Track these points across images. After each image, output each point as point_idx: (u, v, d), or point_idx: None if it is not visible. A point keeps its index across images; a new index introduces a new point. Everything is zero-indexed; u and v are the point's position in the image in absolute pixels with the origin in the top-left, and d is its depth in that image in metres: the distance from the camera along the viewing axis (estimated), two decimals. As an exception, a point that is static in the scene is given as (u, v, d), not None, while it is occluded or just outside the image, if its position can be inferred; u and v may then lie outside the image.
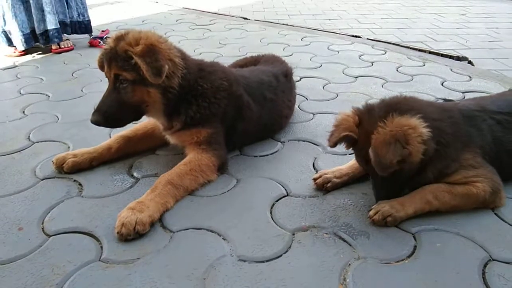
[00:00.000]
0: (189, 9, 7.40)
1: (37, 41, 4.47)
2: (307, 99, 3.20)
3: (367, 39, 5.17)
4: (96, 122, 2.02)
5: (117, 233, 1.65)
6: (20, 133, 2.64)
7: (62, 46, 4.63)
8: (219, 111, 2.18)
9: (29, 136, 2.60)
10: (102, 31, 5.27)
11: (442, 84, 3.50)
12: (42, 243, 1.65)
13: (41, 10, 4.32)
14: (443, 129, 1.79)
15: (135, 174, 2.15)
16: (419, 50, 4.48)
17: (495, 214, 1.83)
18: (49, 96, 3.32)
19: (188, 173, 1.99)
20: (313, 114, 2.91)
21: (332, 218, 1.79)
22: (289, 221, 1.79)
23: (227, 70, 2.40)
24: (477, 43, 5.07)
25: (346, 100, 3.16)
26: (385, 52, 4.47)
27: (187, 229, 1.72)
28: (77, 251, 1.60)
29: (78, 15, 4.84)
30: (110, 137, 2.54)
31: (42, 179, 2.11)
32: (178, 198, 1.91)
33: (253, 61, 2.97)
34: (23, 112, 3.00)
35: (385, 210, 1.73)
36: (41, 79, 3.76)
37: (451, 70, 3.88)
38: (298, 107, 3.04)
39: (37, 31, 4.38)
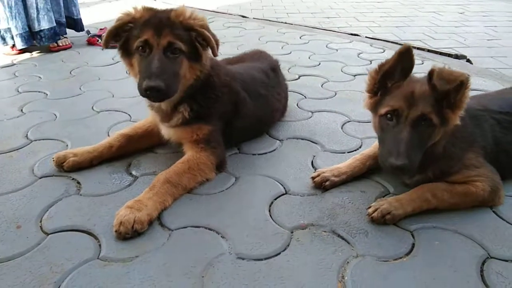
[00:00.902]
0: (187, 7, 7.38)
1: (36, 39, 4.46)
2: (305, 97, 3.20)
3: (366, 37, 5.17)
4: (157, 87, 1.83)
5: (115, 231, 1.65)
6: (18, 131, 2.63)
7: (60, 44, 4.62)
8: (221, 107, 2.18)
9: (27, 134, 2.59)
10: (100, 29, 5.26)
11: (440, 83, 3.50)
12: (40, 241, 1.65)
13: (36, 9, 4.30)
14: (455, 130, 1.79)
15: (133, 172, 2.15)
16: (418, 49, 4.48)
17: (494, 212, 1.84)
18: (47, 94, 3.31)
19: (187, 172, 1.98)
20: (312, 112, 2.91)
21: (330, 216, 1.80)
22: (288, 219, 1.79)
23: (228, 67, 2.41)
24: (475, 42, 5.08)
25: (344, 99, 3.16)
26: (384, 51, 4.48)
27: (185, 227, 1.72)
28: (76, 249, 1.60)
29: (77, 13, 4.83)
30: (108, 135, 2.55)
31: (40, 177, 2.10)
32: (176, 197, 1.91)
33: (239, 59, 2.96)
34: (21, 110, 2.99)
35: (383, 208, 1.73)
36: (39, 77, 3.75)
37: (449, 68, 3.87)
38: (297, 105, 3.04)
39: (33, 30, 4.35)
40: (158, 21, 1.92)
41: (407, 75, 1.76)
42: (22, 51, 4.46)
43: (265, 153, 2.38)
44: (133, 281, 1.45)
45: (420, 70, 3.74)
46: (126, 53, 2.03)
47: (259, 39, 5.05)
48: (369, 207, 1.78)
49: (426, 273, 1.48)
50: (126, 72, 3.76)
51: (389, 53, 4.33)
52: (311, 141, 2.51)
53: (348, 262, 1.54)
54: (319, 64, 4.06)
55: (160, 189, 1.86)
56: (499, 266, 1.53)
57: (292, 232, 1.71)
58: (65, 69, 3.97)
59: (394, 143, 1.64)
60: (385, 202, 1.76)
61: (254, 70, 2.58)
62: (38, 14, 4.31)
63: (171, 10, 2.00)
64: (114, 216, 1.70)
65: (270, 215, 1.82)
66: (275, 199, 1.94)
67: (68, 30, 4.82)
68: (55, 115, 2.89)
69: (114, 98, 3.21)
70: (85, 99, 3.20)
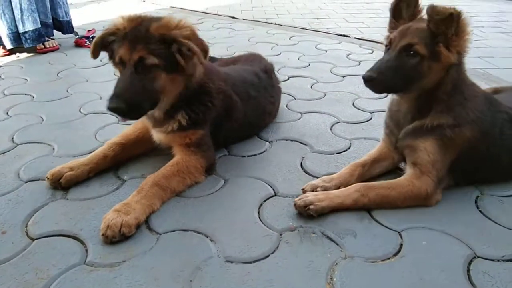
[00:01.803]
0: (176, 8, 7.36)
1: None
2: (295, 99, 3.21)
3: (355, 38, 5.20)
4: (118, 109, 1.80)
5: (102, 235, 1.63)
6: (3, 135, 2.59)
7: (47, 46, 4.56)
8: (214, 112, 2.16)
9: (13, 138, 2.55)
10: (88, 30, 5.20)
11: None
12: (25, 247, 1.62)
13: (20, 10, 4.23)
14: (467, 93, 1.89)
15: (121, 176, 2.12)
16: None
17: (480, 211, 1.86)
18: (33, 97, 3.26)
19: (175, 174, 1.97)
20: (301, 114, 2.92)
21: (319, 217, 1.79)
22: (277, 221, 1.79)
23: (221, 70, 2.39)
24: (462, 42, 5.12)
25: (334, 100, 3.17)
26: (373, 51, 4.50)
27: (173, 231, 1.71)
28: (62, 254, 1.58)
29: (66, 14, 4.77)
30: (96, 138, 2.52)
31: (26, 182, 2.07)
32: (165, 200, 1.89)
33: (233, 61, 2.96)
34: (7, 113, 2.94)
35: (307, 199, 1.77)
36: (26, 79, 3.69)
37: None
38: (286, 106, 3.04)
39: (19, 31, 4.29)
40: (135, 35, 1.86)
41: (415, 15, 1.91)
42: (8, 52, 4.40)
43: (255, 154, 2.37)
44: (120, 286, 1.43)
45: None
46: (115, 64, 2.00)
47: (248, 40, 5.05)
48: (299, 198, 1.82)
49: (413, 274, 1.49)
50: (114, 74, 3.73)
51: (378, 53, 4.36)
52: (300, 143, 2.51)
53: (336, 264, 1.54)
54: (309, 65, 4.07)
55: (148, 192, 1.84)
56: (486, 266, 1.54)
57: (281, 234, 1.70)
58: (52, 71, 3.92)
59: (376, 63, 1.85)
60: (311, 194, 1.81)
61: (246, 72, 2.57)
62: (22, 15, 4.24)
63: (155, 20, 1.92)
64: (102, 220, 1.68)
65: (259, 217, 1.81)
66: (264, 201, 1.93)
67: (55, 32, 4.76)
68: (42, 118, 2.85)
69: (102, 100, 3.17)
70: (73, 101, 3.16)
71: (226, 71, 2.48)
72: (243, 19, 6.47)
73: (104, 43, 1.98)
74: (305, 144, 2.48)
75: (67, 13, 4.80)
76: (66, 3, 4.80)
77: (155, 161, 2.23)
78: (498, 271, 1.52)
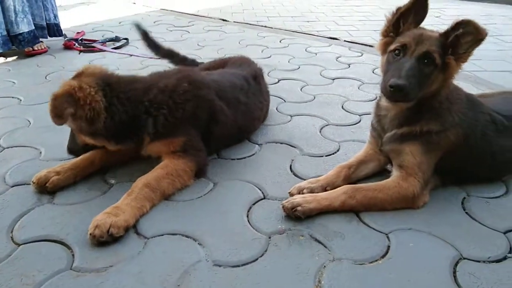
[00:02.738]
0: (167, 10, 7.33)
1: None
2: (284, 101, 3.21)
3: (345, 41, 5.23)
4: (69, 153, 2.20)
5: (90, 234, 1.62)
6: (-11, 139, 2.55)
7: (36, 48, 4.50)
8: (185, 115, 2.12)
9: (-1, 141, 2.52)
10: (77, 32, 5.17)
11: (416, 86, 3.56)
12: (11, 252, 1.60)
13: (14, 11, 4.19)
14: (452, 99, 1.91)
15: (108, 180, 2.11)
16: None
17: (467, 213, 1.88)
18: (20, 100, 3.22)
19: (165, 177, 1.96)
20: (291, 116, 2.92)
21: (307, 220, 1.80)
22: (266, 224, 1.79)
23: (192, 74, 2.32)
24: (450, 45, 5.18)
25: (323, 102, 3.19)
26: (362, 54, 4.53)
27: (162, 235, 1.70)
28: (48, 259, 1.56)
29: (55, 17, 4.73)
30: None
31: (12, 186, 2.05)
32: (155, 202, 1.88)
33: (221, 63, 2.96)
34: (-7, 116, 2.91)
35: (295, 201, 1.78)
36: (13, 82, 3.65)
37: (425, 71, 3.95)
38: (276, 109, 3.05)
39: (12, 33, 4.24)
40: None
41: (420, 22, 1.90)
42: (-3, 56, 4.35)
43: (244, 157, 2.37)
44: (107, 292, 1.42)
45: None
46: None
47: (239, 43, 5.05)
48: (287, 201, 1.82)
49: (400, 276, 1.50)
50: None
51: (367, 56, 4.40)
52: (289, 145, 2.51)
53: (325, 266, 1.55)
54: (299, 67, 4.09)
55: (139, 195, 1.83)
56: (472, 267, 1.56)
57: (270, 237, 1.70)
58: (41, 73, 3.88)
59: (398, 69, 1.78)
60: (299, 196, 1.82)
61: (234, 77, 2.56)
62: (16, 17, 4.19)
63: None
64: (90, 224, 1.66)
65: (248, 221, 1.81)
66: (253, 204, 1.93)
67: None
68: (29, 121, 2.82)
69: (91, 103, 3.15)
70: (61, 104, 3.12)
71: (212, 77, 2.47)
72: (234, 21, 6.47)
73: None
74: (295, 147, 2.49)
75: (55, 16, 4.76)
76: (55, 6, 4.76)
77: (143, 166, 2.20)
78: (483, 272, 1.53)
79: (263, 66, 3.12)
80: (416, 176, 1.85)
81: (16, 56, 4.44)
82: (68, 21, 5.92)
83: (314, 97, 3.29)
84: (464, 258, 1.60)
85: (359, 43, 5.05)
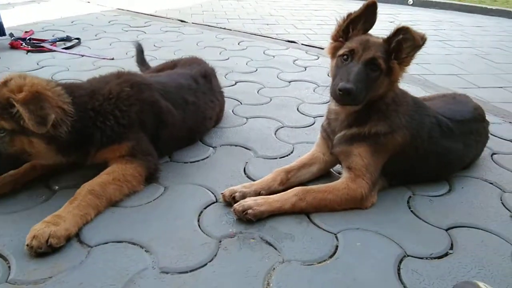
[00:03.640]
0: (123, 10, 7.13)
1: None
2: (241, 104, 3.21)
3: (302, 44, 5.31)
4: None
5: (27, 245, 1.53)
6: None
7: (-21, 48, 4.24)
8: (131, 121, 2.06)
9: None
10: (26, 32, 4.91)
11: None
12: None
13: None
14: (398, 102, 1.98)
15: (52, 186, 2.00)
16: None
17: (412, 212, 1.94)
18: (-42, 102, 3.00)
19: (111, 183, 1.88)
20: (247, 119, 2.92)
21: (259, 222, 1.79)
22: (216, 228, 1.76)
23: (133, 77, 2.27)
24: (402, 49, 5.39)
25: (279, 104, 3.21)
26: (318, 57, 4.62)
27: (106, 243, 1.63)
28: (-20, 273, 1.46)
29: None
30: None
31: None
32: (100, 209, 1.81)
33: (171, 65, 2.92)
34: None
35: (246, 204, 1.79)
36: (-49, 83, 3.40)
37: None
38: (232, 111, 3.03)
39: None
40: None
41: (368, 29, 1.97)
42: None
43: (197, 160, 2.34)
44: (44, 305, 1.34)
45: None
46: None
47: (197, 44, 5.00)
48: (237, 204, 1.82)
49: (347, 275, 1.53)
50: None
51: (323, 59, 4.48)
52: (244, 148, 2.51)
53: (274, 269, 1.55)
54: (256, 70, 4.10)
55: (82, 202, 1.75)
56: (415, 264, 1.61)
57: (220, 241, 1.68)
58: (-17, 74, 3.65)
59: (346, 73, 1.83)
60: (251, 199, 1.83)
61: (182, 77, 2.53)
62: None
63: (7, 85, 1.77)
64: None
65: (199, 225, 1.78)
66: (205, 208, 1.90)
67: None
68: (-33, 125, 2.63)
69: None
70: (4, 107, 2.94)
71: (157, 79, 2.42)
72: (193, 23, 6.40)
73: None
74: (249, 149, 2.48)
75: None
76: None
77: (89, 171, 2.11)
78: (426, 268, 1.59)
79: (220, 68, 3.11)
80: (364, 177, 1.90)
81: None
82: (16, 20, 5.62)
83: (271, 100, 3.30)
84: (408, 256, 1.65)
85: (316, 47, 5.14)
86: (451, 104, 2.35)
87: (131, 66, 3.45)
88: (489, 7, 9.13)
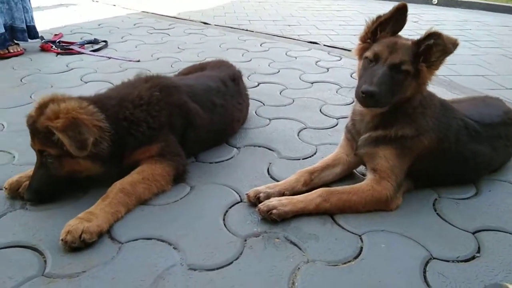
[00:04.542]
0: (148, 13, 7.29)
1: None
2: (264, 105, 3.24)
3: (324, 45, 5.30)
4: (31, 200, 1.90)
5: (61, 240, 1.60)
6: (-39, 143, 2.49)
7: (11, 51, 4.41)
8: (161, 123, 2.12)
9: (-29, 146, 2.46)
10: (55, 34, 5.09)
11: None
12: (-19, 260, 1.57)
13: None
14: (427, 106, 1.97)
15: (84, 184, 2.08)
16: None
17: (438, 214, 1.93)
18: (-6, 103, 3.15)
19: (141, 182, 1.95)
20: (269, 120, 2.95)
21: (283, 222, 1.82)
22: (241, 227, 1.80)
23: (161, 80, 2.31)
24: (427, 50, 5.31)
25: (302, 106, 3.22)
26: (341, 58, 4.60)
27: (136, 240, 1.69)
28: (19, 266, 1.53)
29: (31, 19, 4.63)
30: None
31: (-17, 192, 2.00)
32: (130, 207, 1.87)
33: (200, 68, 2.96)
34: (-35, 120, 2.83)
35: (271, 204, 1.80)
36: (-13, 85, 3.57)
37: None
38: (255, 112, 3.07)
39: None
40: (32, 126, 1.90)
41: (397, 31, 1.96)
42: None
43: (222, 161, 2.38)
44: (79, 298, 1.40)
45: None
46: None
47: (219, 46, 5.06)
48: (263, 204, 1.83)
49: (372, 276, 1.53)
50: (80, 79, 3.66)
51: (346, 60, 4.47)
52: (267, 148, 2.53)
53: (299, 268, 1.57)
54: (278, 71, 4.12)
55: (113, 200, 1.82)
56: (441, 267, 1.60)
57: (245, 240, 1.71)
58: (16, 76, 3.80)
59: (371, 76, 1.83)
60: (275, 199, 1.84)
61: (210, 80, 2.57)
62: None
63: (43, 112, 1.86)
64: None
65: (224, 224, 1.82)
66: (230, 207, 1.94)
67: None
68: (3, 125, 2.76)
69: (68, 106, 3.10)
70: (36, 108, 3.07)
71: (185, 81, 2.47)
72: (215, 25, 6.48)
73: None
74: (273, 150, 2.51)
75: (32, 18, 4.66)
76: (31, 8, 4.67)
77: (120, 171, 2.19)
78: (452, 271, 1.58)
79: (243, 69, 3.14)
80: (390, 179, 1.90)
81: (-9, 59, 4.34)
82: (46, 23, 5.82)
83: (293, 101, 3.32)
84: (434, 258, 1.64)
85: (338, 48, 5.12)
86: (481, 107, 2.31)
87: (157, 68, 3.54)
88: (517, 6, 8.89)
